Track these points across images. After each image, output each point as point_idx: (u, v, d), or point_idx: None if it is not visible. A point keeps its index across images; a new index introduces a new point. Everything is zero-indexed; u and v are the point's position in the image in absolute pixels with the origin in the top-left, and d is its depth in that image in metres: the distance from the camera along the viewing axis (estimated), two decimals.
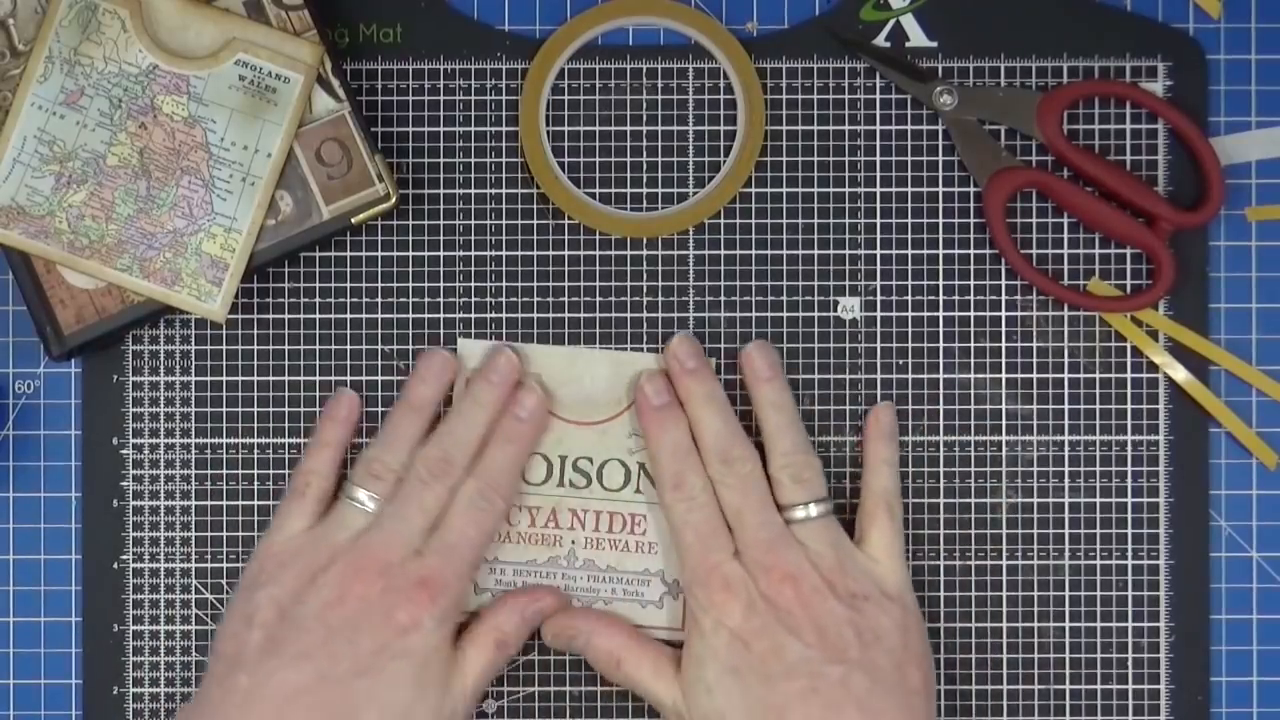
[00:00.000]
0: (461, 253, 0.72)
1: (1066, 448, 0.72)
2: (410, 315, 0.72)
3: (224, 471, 0.72)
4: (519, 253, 0.72)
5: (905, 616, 0.67)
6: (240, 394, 0.72)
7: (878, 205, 0.72)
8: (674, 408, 0.69)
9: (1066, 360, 0.72)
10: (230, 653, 0.66)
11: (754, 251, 0.72)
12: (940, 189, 0.72)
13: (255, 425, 0.72)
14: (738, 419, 0.69)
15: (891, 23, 0.72)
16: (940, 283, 0.72)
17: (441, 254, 0.72)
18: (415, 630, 0.66)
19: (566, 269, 0.72)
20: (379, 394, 0.72)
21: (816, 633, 0.65)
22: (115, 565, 0.72)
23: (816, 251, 0.72)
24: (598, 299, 0.72)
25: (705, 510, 0.68)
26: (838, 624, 0.66)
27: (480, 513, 0.68)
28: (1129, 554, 0.72)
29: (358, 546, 0.67)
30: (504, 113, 0.72)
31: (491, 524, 0.68)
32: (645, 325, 0.72)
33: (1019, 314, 0.72)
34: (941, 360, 0.72)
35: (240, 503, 0.72)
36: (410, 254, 0.72)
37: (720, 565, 0.67)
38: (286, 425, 0.72)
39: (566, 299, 0.72)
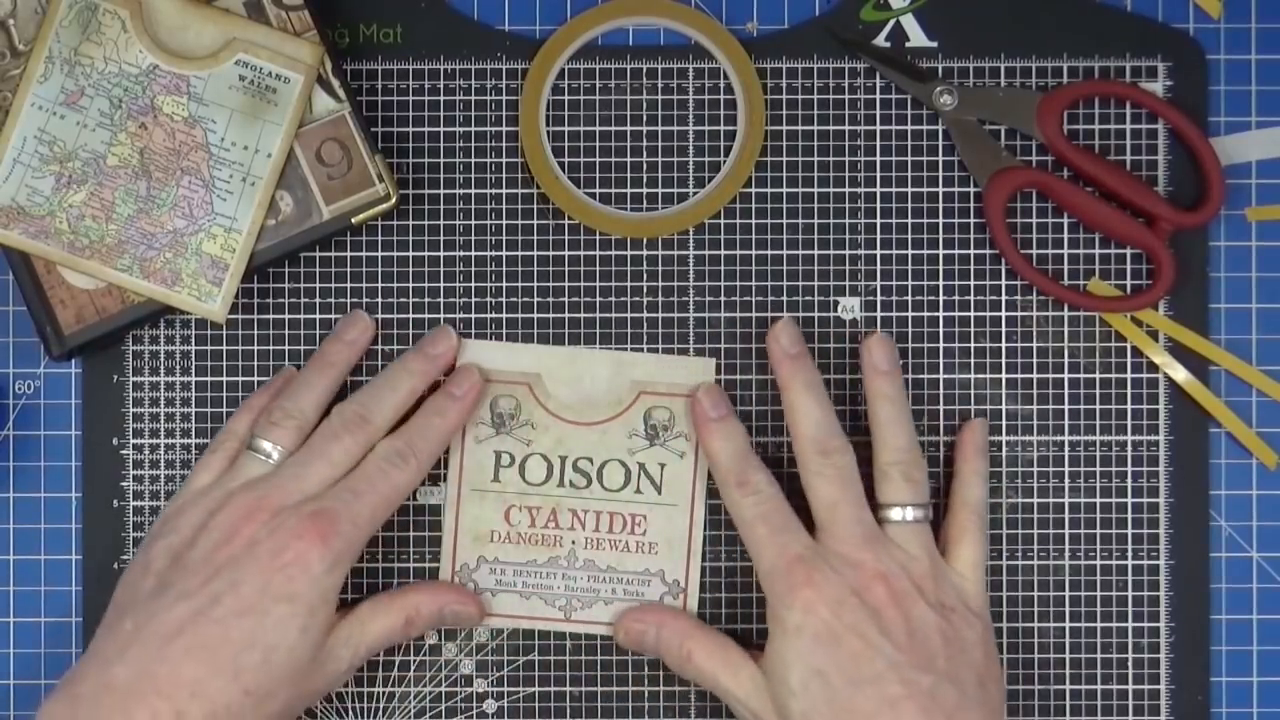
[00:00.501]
0: (461, 253, 0.72)
1: (1066, 448, 0.72)
2: (410, 315, 0.72)
3: None
4: (519, 253, 0.72)
5: (986, 633, 0.66)
6: (240, 394, 0.72)
7: (878, 205, 0.72)
8: (732, 419, 0.69)
9: (1066, 360, 0.72)
10: (122, 601, 0.66)
11: (754, 251, 0.72)
12: (940, 189, 0.72)
13: None
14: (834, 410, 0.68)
15: (891, 23, 0.72)
16: (940, 283, 0.72)
17: (441, 254, 0.72)
18: (300, 570, 0.64)
19: (566, 269, 0.72)
20: None
21: (908, 635, 0.64)
22: (115, 565, 0.72)
23: (816, 251, 0.72)
24: (598, 299, 0.72)
25: (774, 501, 0.67)
26: (927, 630, 0.64)
27: (393, 468, 0.66)
28: (1129, 554, 0.72)
29: (253, 489, 0.66)
30: (504, 113, 0.72)
31: (403, 483, 0.67)
32: (645, 325, 0.72)
33: (1019, 314, 0.72)
34: (941, 360, 0.72)
35: None
36: (410, 254, 0.72)
37: (803, 557, 0.65)
38: None
39: (566, 299, 0.72)
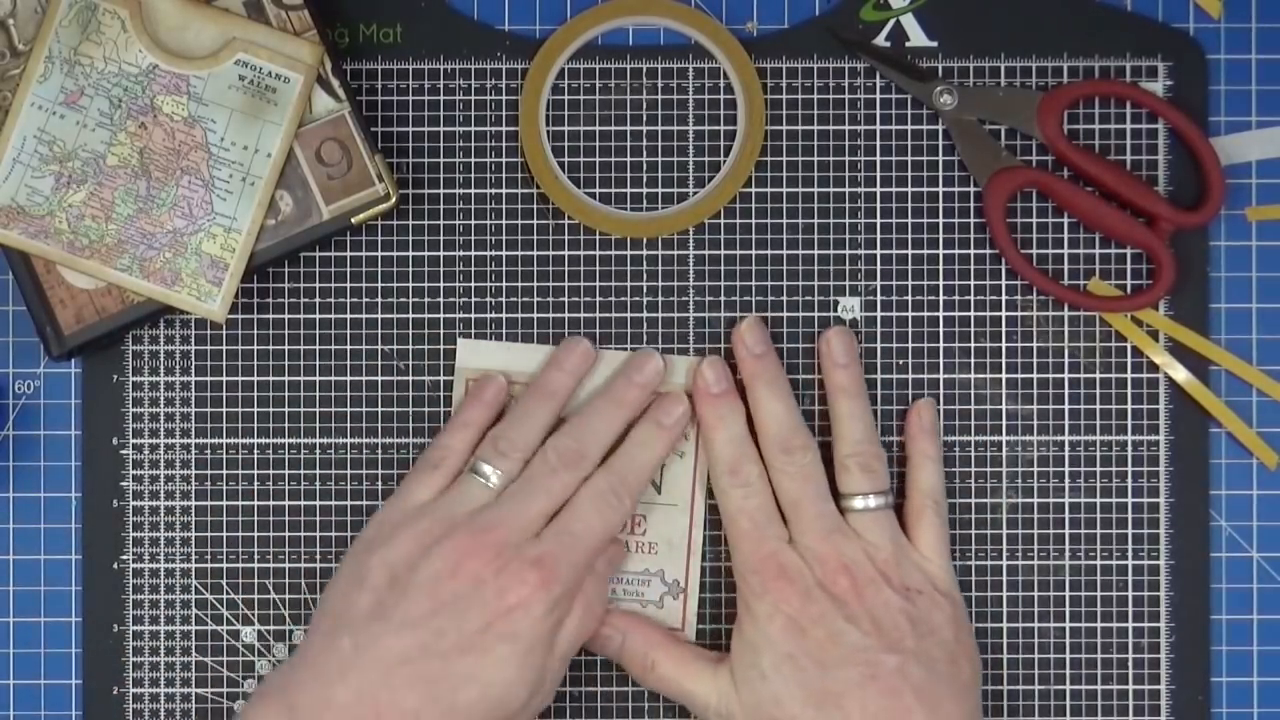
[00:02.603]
0: (461, 253, 0.72)
1: (1066, 448, 0.72)
2: (410, 315, 0.72)
3: (224, 471, 0.72)
4: (519, 253, 0.72)
5: (956, 612, 0.68)
6: (240, 394, 0.72)
7: (878, 205, 0.72)
8: (733, 395, 0.70)
9: (1066, 360, 0.72)
10: (337, 611, 0.65)
11: (754, 251, 0.72)
12: (940, 189, 0.72)
13: (255, 425, 0.72)
14: (799, 408, 0.69)
15: (891, 23, 0.72)
16: (940, 283, 0.72)
17: (441, 254, 0.72)
18: (524, 613, 0.65)
19: (566, 269, 0.72)
20: (379, 394, 0.72)
21: (872, 622, 0.66)
22: (115, 565, 0.72)
23: (816, 251, 0.72)
24: (598, 299, 0.72)
25: (761, 497, 0.68)
26: (893, 614, 0.66)
27: (608, 507, 0.67)
28: (1129, 554, 0.72)
29: (476, 522, 0.66)
30: (504, 113, 0.72)
31: (616, 521, 0.68)
32: (645, 325, 0.72)
33: (1019, 314, 0.72)
34: (941, 360, 0.72)
35: (240, 503, 0.72)
36: (410, 254, 0.72)
37: (777, 553, 0.67)
38: (286, 425, 0.72)
39: (566, 299, 0.72)
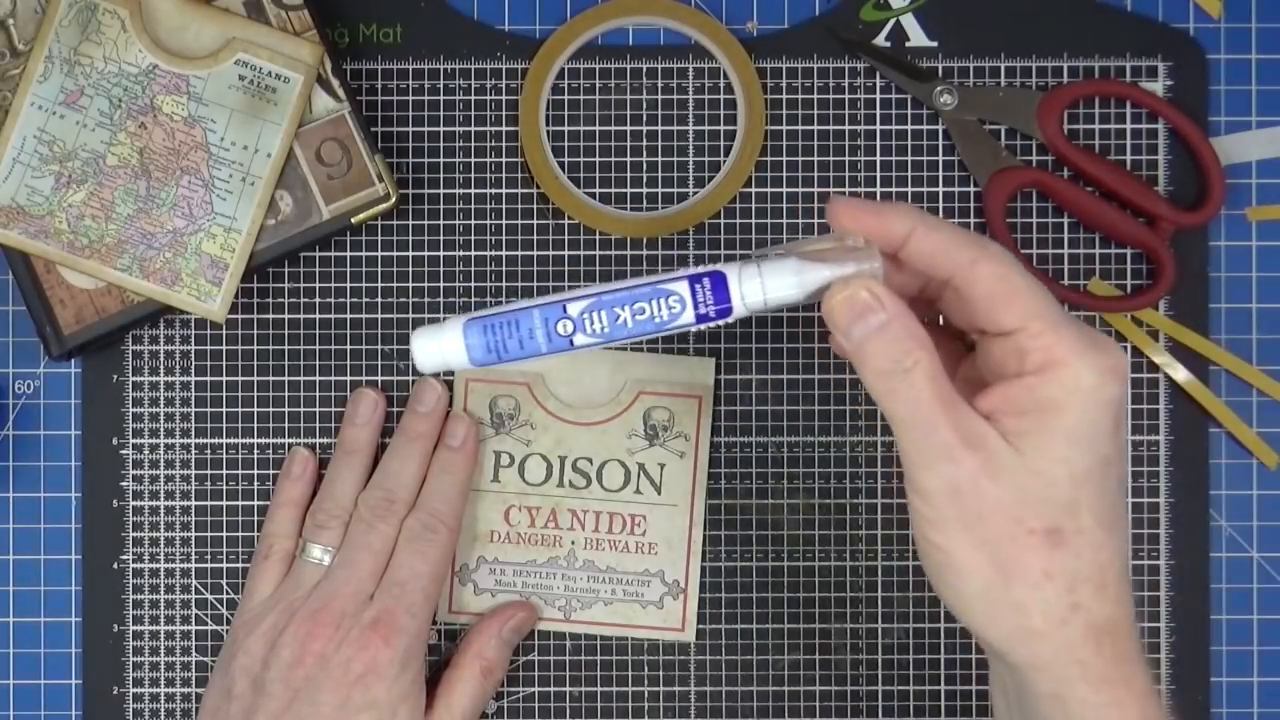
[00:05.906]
0: (461, 253, 0.72)
1: None
2: (410, 315, 0.72)
3: (224, 471, 0.72)
4: (519, 253, 0.72)
5: None
6: (240, 394, 0.72)
7: None
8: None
9: None
10: None
11: (754, 252, 0.72)
12: (940, 189, 0.72)
13: (255, 425, 0.72)
14: None
15: (891, 23, 0.72)
16: None
17: (441, 254, 0.72)
18: (375, 678, 0.65)
19: (566, 269, 0.72)
20: None
21: None
22: (115, 565, 0.72)
23: None
24: None
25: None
26: None
27: (426, 544, 0.67)
28: (1129, 554, 0.72)
29: (310, 602, 0.67)
30: (504, 113, 0.72)
31: (438, 555, 0.68)
32: None
33: None
34: None
35: (240, 503, 0.72)
36: (410, 254, 0.72)
37: None
38: (286, 425, 0.72)
39: None
